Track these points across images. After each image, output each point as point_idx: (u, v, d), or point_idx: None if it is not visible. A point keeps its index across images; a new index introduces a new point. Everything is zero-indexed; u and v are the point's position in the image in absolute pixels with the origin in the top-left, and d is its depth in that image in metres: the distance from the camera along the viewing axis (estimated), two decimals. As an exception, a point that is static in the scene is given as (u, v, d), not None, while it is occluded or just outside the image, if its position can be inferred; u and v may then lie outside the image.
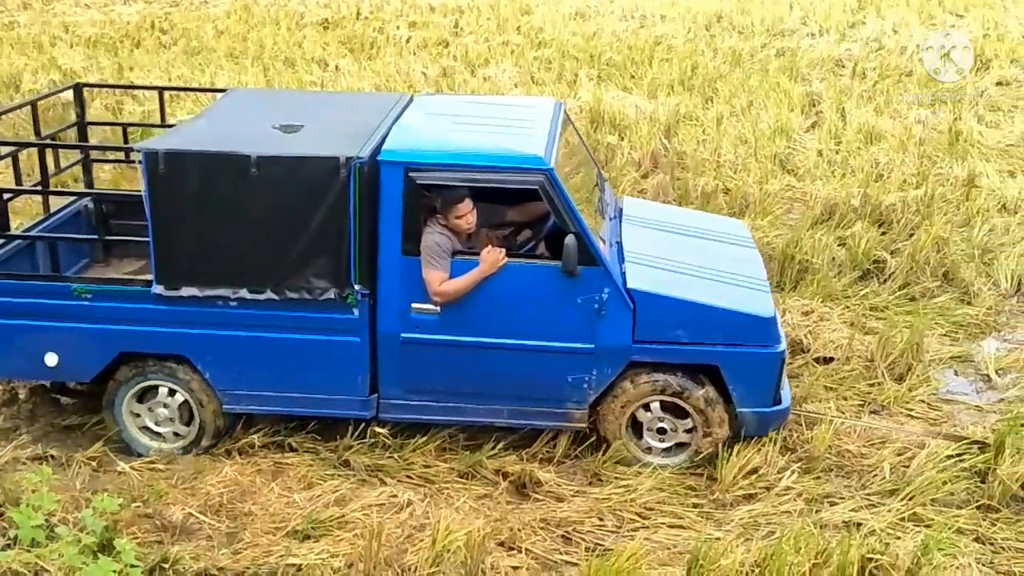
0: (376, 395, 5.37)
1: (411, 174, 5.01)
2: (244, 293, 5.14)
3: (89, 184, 6.81)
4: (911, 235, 8.24)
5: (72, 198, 6.51)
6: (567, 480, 5.35)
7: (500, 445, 5.50)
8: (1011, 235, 8.35)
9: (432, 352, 5.22)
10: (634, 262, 5.35)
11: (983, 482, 5.33)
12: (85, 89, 6.90)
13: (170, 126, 6.33)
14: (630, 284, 5.15)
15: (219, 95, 6.46)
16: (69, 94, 7.65)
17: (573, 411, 5.35)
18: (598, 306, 5.10)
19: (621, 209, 6.08)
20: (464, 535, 4.63)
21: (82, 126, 6.65)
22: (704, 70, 13.36)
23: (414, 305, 5.16)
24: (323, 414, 5.51)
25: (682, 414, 5.37)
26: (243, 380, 5.36)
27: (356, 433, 5.51)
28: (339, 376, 5.32)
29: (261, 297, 5.14)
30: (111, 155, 7.57)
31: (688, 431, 5.40)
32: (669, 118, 11.23)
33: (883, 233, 8.38)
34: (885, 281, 7.71)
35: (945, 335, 7.04)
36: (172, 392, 5.48)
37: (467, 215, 5.17)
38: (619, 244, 5.54)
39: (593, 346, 5.18)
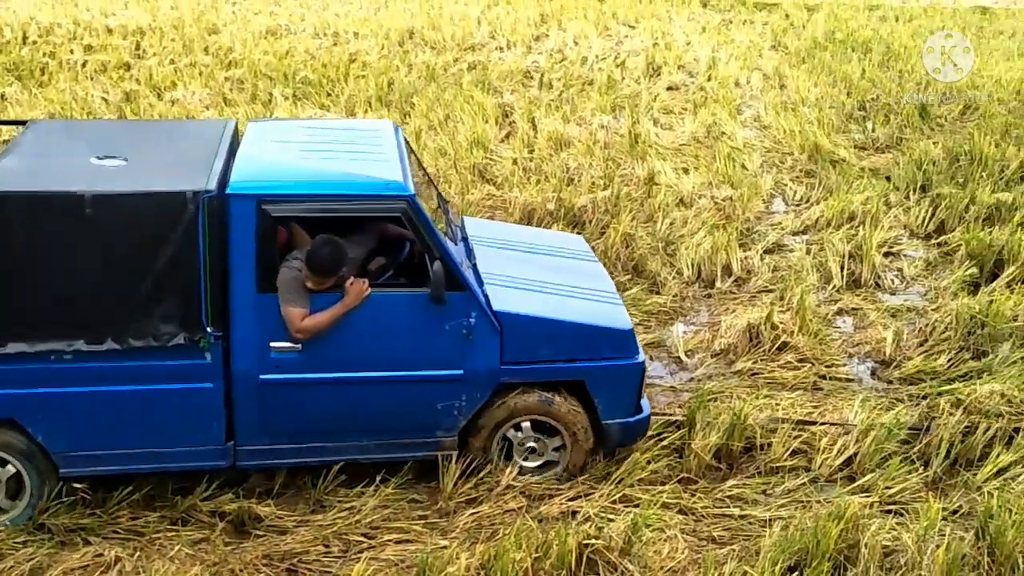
0: (233, 443, 5.03)
1: (265, 207, 4.74)
2: (81, 345, 4.65)
3: None
4: (603, 233, 8.77)
5: None
6: (288, 511, 5.21)
7: (214, 485, 5.26)
8: (689, 227, 9.10)
9: (294, 392, 4.98)
10: (494, 284, 5.33)
11: (681, 457, 5.77)
12: None
13: None
14: (495, 306, 5.12)
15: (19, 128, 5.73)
16: None
17: (443, 439, 5.27)
18: (466, 331, 5.05)
19: (465, 230, 6.02)
20: (180, 585, 4.38)
21: None
22: (400, 85, 13.51)
23: (273, 344, 4.88)
24: (176, 468, 5.10)
25: (551, 432, 5.41)
26: (82, 440, 4.87)
27: (51, 493, 5.04)
28: (192, 426, 4.95)
29: (101, 348, 4.67)
30: None
31: (556, 449, 5.46)
32: (369, 134, 11.24)
33: (578, 233, 8.85)
34: (583, 279, 8.14)
35: (639, 324, 7.54)
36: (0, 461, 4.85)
37: (333, 280, 4.90)
38: (475, 267, 5.48)
39: (462, 371, 5.12)
